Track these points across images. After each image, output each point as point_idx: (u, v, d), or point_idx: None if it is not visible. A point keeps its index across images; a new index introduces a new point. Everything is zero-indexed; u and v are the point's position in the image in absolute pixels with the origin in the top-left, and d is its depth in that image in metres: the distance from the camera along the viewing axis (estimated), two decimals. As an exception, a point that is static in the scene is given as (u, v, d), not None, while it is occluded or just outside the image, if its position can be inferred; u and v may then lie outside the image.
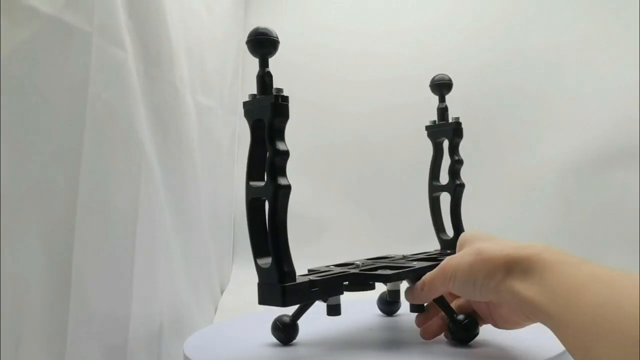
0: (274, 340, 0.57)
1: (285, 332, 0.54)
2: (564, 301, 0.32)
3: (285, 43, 1.56)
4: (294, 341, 0.55)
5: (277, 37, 0.47)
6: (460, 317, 0.50)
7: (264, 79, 0.46)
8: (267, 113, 0.45)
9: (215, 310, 1.09)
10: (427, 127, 0.68)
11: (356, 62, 1.29)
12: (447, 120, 0.66)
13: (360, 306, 0.70)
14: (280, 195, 0.44)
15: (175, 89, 0.85)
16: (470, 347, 0.52)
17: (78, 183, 0.59)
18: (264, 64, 0.47)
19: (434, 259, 0.56)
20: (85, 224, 0.59)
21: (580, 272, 0.34)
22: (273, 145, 0.44)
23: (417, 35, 1.25)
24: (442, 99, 0.66)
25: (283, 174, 0.44)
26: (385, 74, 1.27)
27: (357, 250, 1.17)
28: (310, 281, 0.47)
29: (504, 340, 0.53)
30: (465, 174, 0.66)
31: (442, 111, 0.67)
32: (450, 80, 0.66)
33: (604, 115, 1.09)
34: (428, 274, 0.48)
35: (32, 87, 0.53)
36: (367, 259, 0.60)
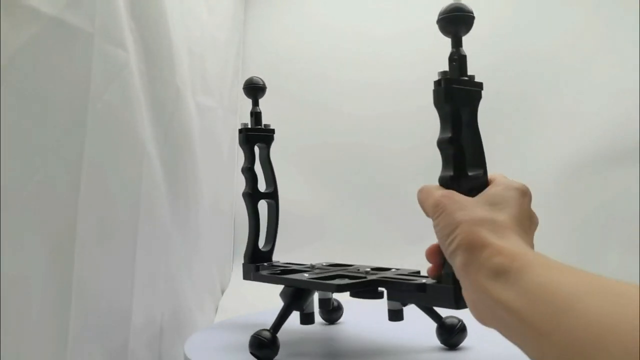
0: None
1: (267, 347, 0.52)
2: (551, 311, 0.27)
3: (285, 43, 1.57)
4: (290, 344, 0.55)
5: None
6: (448, 321, 0.54)
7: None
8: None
9: (216, 311, 1.09)
10: None
11: (356, 63, 1.29)
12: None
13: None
14: None
15: (176, 89, 0.85)
16: (461, 350, 0.53)
17: (80, 183, 0.59)
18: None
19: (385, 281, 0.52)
20: (86, 224, 0.59)
21: (567, 279, 0.29)
22: None
23: (417, 36, 1.25)
24: (455, 43, 0.45)
25: None
26: (386, 76, 1.27)
27: (355, 251, 1.18)
28: None
29: (501, 339, 0.53)
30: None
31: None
32: (466, 11, 0.44)
33: (603, 116, 1.09)
34: (429, 186, 0.43)
35: (34, 88, 0.53)
36: (331, 265, 0.64)
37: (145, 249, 0.72)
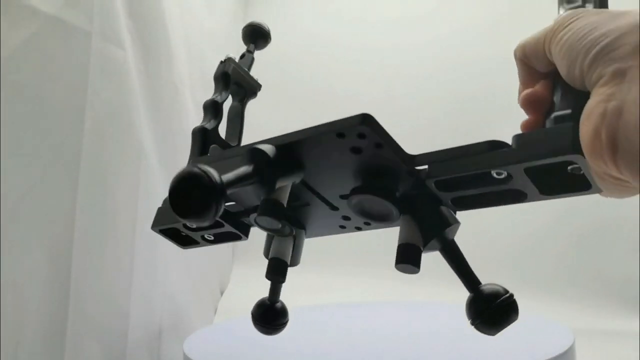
0: (274, 340, 0.57)
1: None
2: None
3: (285, 43, 1.56)
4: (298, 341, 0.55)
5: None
6: (487, 289, 0.28)
7: None
8: None
9: (215, 311, 1.09)
10: None
11: (355, 62, 1.29)
12: None
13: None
14: None
15: (174, 88, 0.85)
16: (467, 346, 0.52)
17: (78, 182, 0.58)
18: None
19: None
20: (84, 224, 0.59)
21: None
22: None
23: (416, 45, 1.25)
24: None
25: None
26: (384, 76, 1.26)
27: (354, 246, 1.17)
28: None
29: (503, 341, 0.53)
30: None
31: None
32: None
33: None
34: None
35: (32, 86, 0.53)
36: None
37: (144, 249, 0.72)
